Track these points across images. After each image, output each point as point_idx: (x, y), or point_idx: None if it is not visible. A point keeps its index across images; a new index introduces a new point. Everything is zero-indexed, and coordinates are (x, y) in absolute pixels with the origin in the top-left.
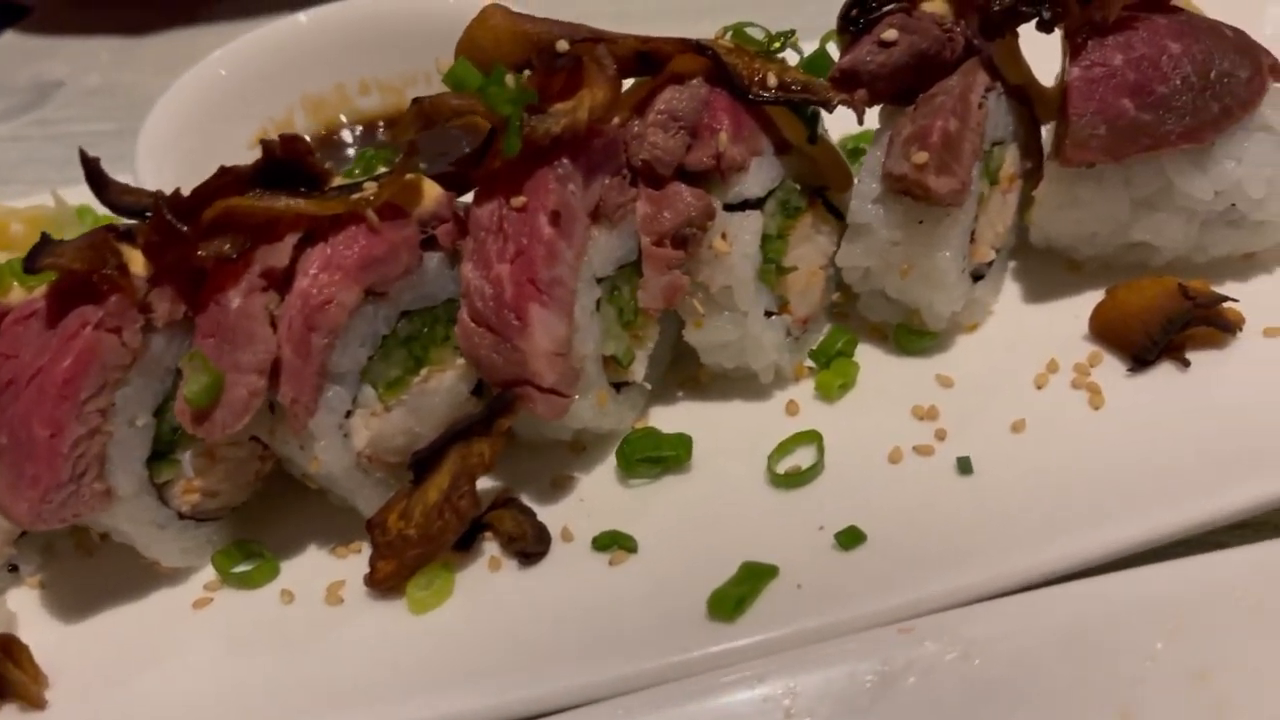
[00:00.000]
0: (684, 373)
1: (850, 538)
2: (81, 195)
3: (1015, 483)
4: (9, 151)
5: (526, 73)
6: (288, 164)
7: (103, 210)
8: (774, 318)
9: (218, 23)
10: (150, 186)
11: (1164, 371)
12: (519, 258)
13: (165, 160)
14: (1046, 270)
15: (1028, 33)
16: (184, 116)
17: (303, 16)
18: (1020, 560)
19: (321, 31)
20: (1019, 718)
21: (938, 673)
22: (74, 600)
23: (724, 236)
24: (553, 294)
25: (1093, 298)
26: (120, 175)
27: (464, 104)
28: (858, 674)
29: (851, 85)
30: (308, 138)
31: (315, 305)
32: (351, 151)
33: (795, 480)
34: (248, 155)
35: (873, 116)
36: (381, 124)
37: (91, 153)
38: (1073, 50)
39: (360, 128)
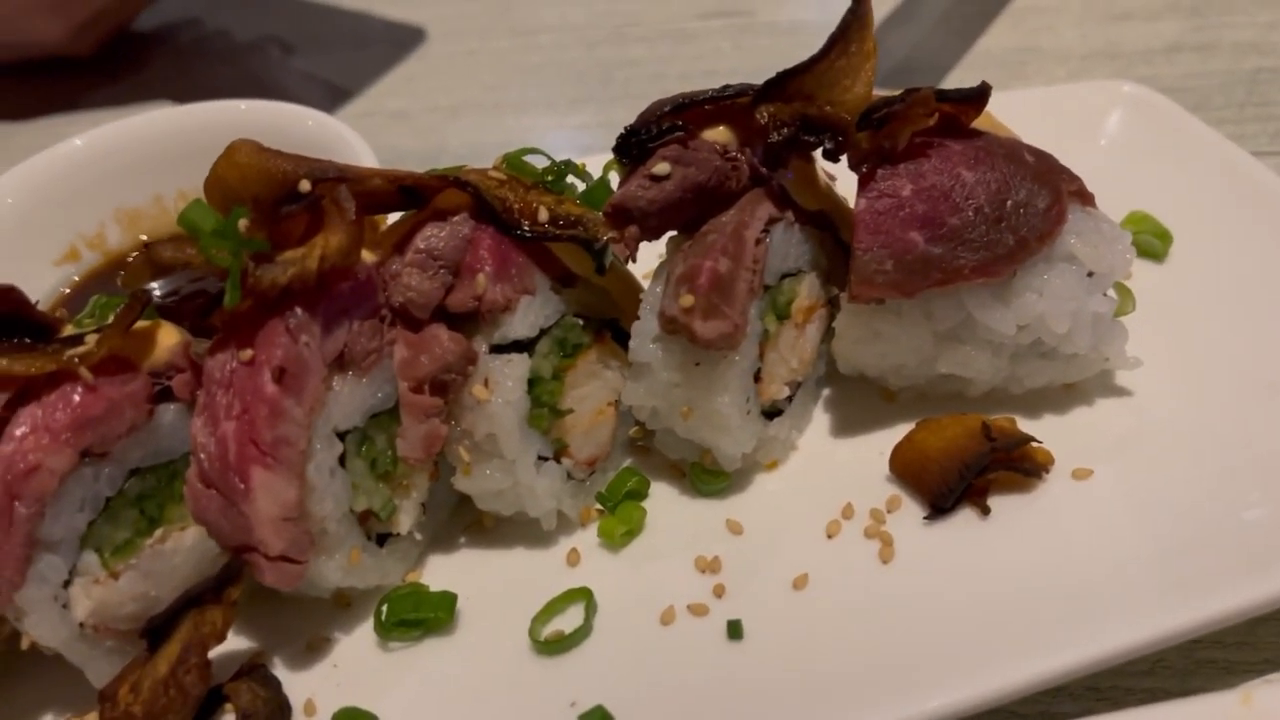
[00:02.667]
0: (469, 516)
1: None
2: None
3: (786, 650)
4: None
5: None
6: (7, 316)
7: None
8: (548, 463)
9: (97, 109)
10: None
11: (963, 519)
12: (243, 416)
13: None
14: (859, 398)
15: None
16: None
17: (109, 129)
18: None
19: (137, 141)
20: None
21: None
22: None
23: (485, 383)
24: (278, 455)
25: (904, 429)
26: None
27: (179, 256)
28: None
29: (623, 221)
30: (124, 253)
31: (19, 473)
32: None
33: (556, 647)
34: (52, 272)
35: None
36: None
37: None
38: (860, 181)
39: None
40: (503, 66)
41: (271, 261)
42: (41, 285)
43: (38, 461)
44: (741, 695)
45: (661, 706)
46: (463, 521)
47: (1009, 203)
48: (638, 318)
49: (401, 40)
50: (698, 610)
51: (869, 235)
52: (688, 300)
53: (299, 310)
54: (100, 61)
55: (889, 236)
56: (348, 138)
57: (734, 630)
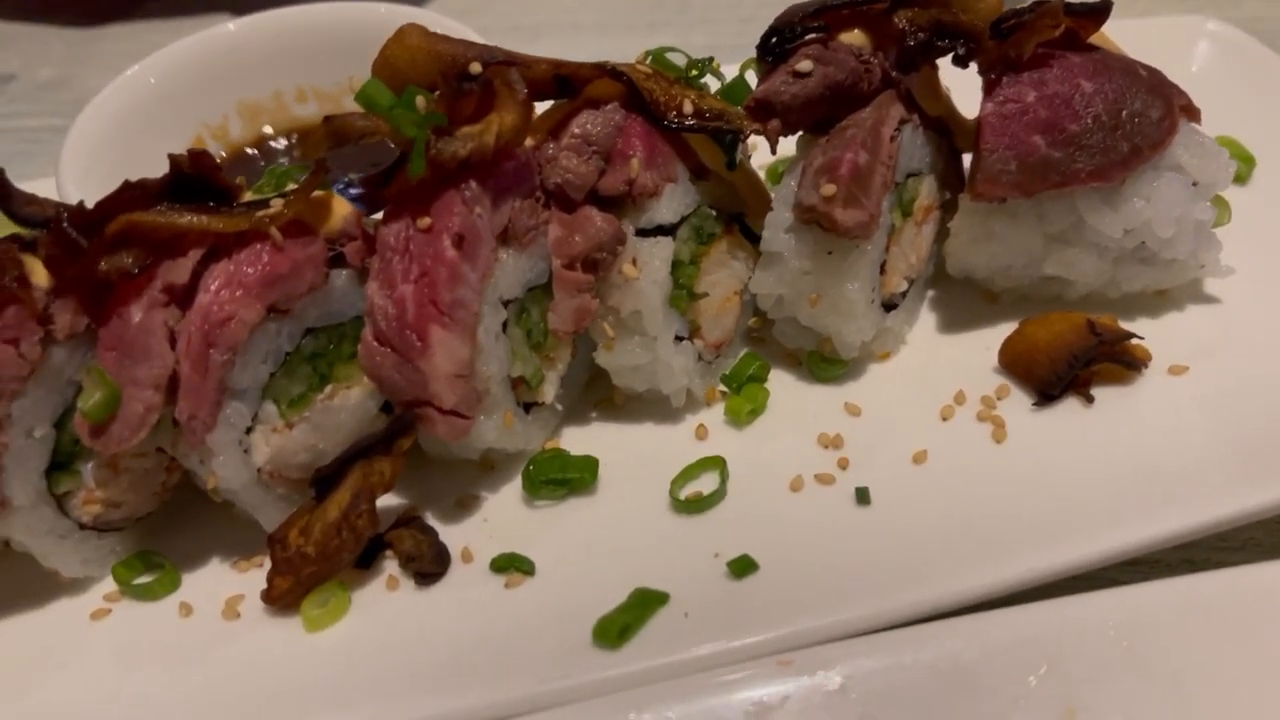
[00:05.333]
0: (599, 394)
1: (742, 566)
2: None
3: (911, 515)
4: None
5: (437, 94)
6: (195, 179)
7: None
8: (684, 343)
9: (175, 19)
10: (73, 194)
11: (1068, 407)
12: (422, 279)
13: (90, 168)
14: (964, 300)
15: (952, 65)
16: (114, 122)
17: (232, 25)
18: (908, 594)
19: (258, 38)
20: None
21: (814, 706)
22: None
23: (634, 262)
24: (454, 316)
25: (1006, 329)
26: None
27: (370, 125)
28: (735, 706)
29: (766, 115)
30: (245, 144)
31: (215, 322)
32: (285, 161)
33: (695, 506)
34: None
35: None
36: None
37: (42, 150)
38: (986, 86)
39: (295, 135)
40: None
41: (451, 136)
42: None
43: (232, 313)
44: (872, 554)
45: (798, 562)
46: (593, 398)
47: (1124, 112)
48: (768, 210)
49: None
50: (824, 479)
51: (995, 137)
52: (829, 189)
53: (473, 183)
54: None
55: (1013, 139)
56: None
57: (862, 496)
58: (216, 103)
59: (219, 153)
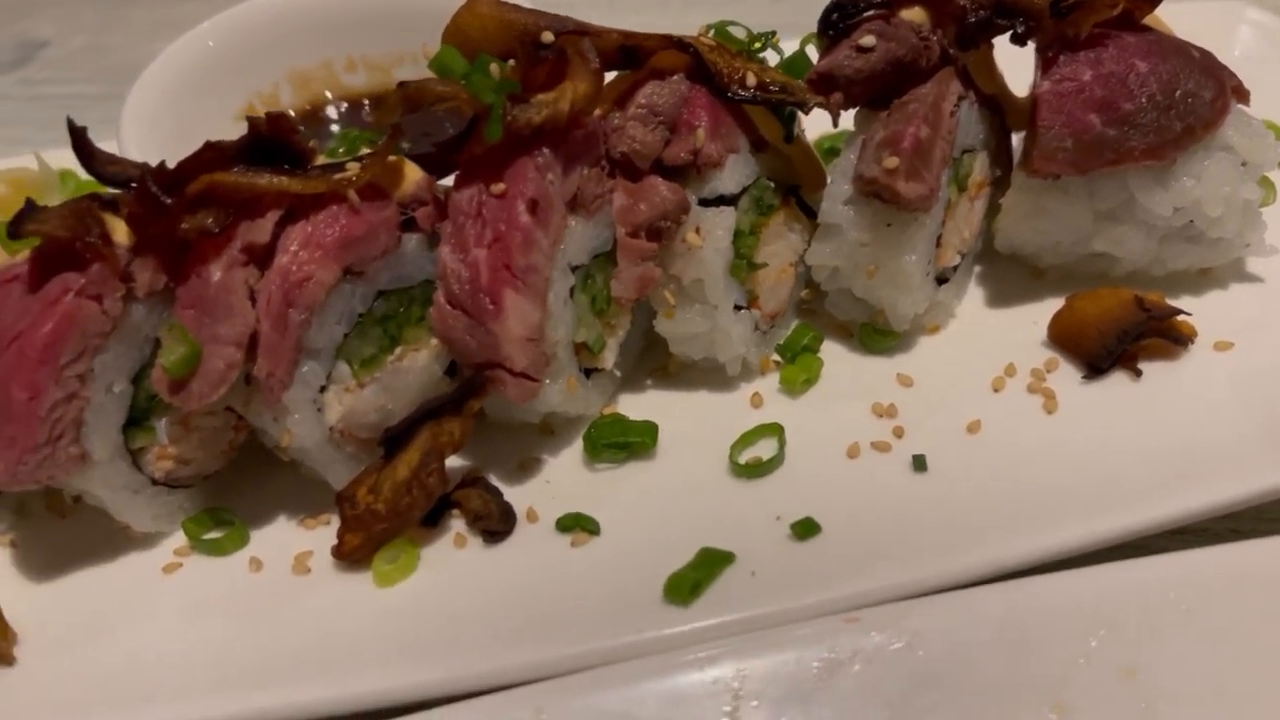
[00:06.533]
0: (653, 362)
1: (805, 528)
2: (64, 159)
3: (967, 482)
4: None
5: (510, 62)
6: (273, 141)
7: (86, 175)
8: (743, 312)
9: None
10: (134, 155)
11: (1117, 380)
12: (496, 243)
13: (150, 130)
14: (1009, 276)
15: (1002, 44)
16: (170, 86)
17: None
18: (967, 557)
19: (311, 7)
20: (957, 708)
21: (881, 662)
22: (45, 560)
23: (697, 230)
24: (527, 280)
25: (1052, 305)
26: (104, 141)
27: (448, 90)
28: (805, 660)
29: (828, 88)
30: (292, 113)
31: (294, 282)
32: (336, 128)
33: (755, 470)
34: (233, 128)
35: (847, 119)
36: (366, 102)
37: (75, 117)
38: (1044, 64)
39: (345, 105)
40: None
41: (526, 103)
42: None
43: (310, 273)
44: (931, 519)
45: (859, 525)
46: (647, 366)
47: (1178, 92)
48: (822, 184)
49: None
50: (881, 447)
51: (1052, 114)
52: (891, 162)
53: (546, 150)
54: None
55: (1069, 117)
56: None
57: (919, 463)
58: (268, 71)
59: None
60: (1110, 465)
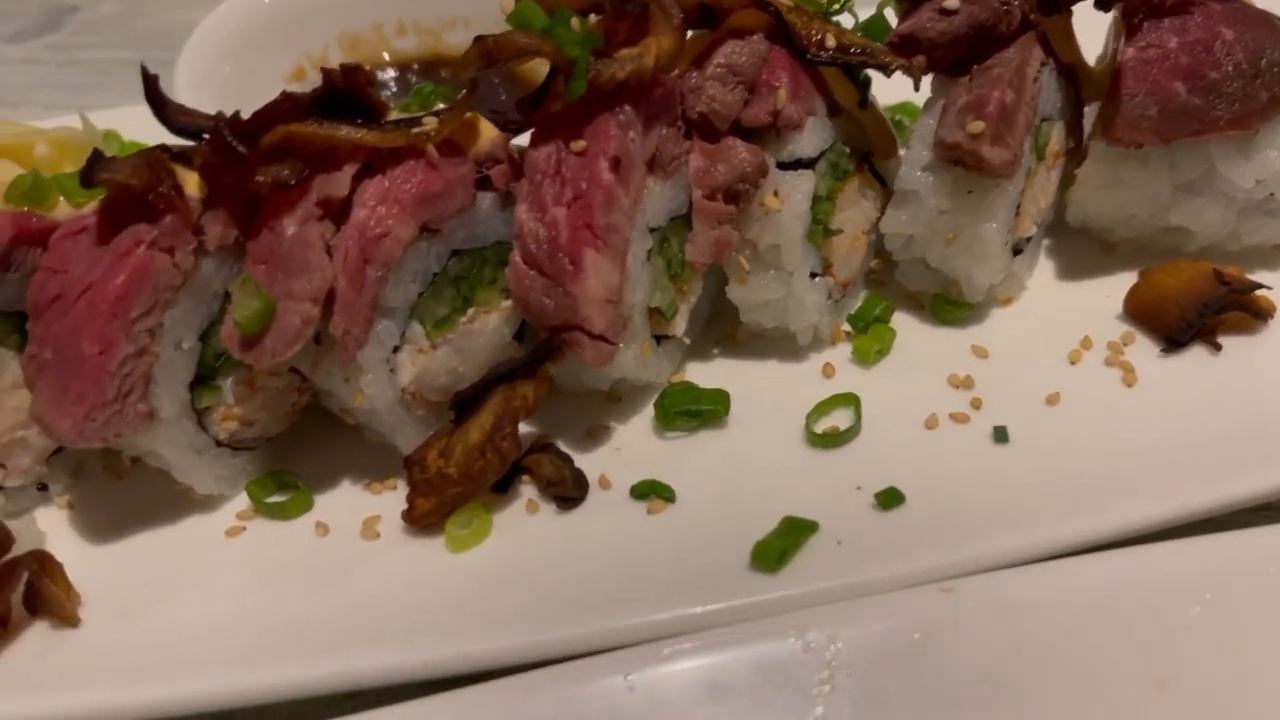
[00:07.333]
0: (720, 330)
1: (890, 498)
2: (102, 120)
3: (1050, 454)
4: (21, 75)
5: (592, 17)
6: (347, 94)
7: (129, 135)
8: (818, 279)
9: None
10: None
11: (1196, 354)
12: (576, 202)
13: (204, 88)
14: (1080, 250)
15: (1078, 12)
16: (225, 45)
17: None
18: (1055, 529)
19: None
20: (1055, 679)
21: (977, 632)
22: (103, 522)
23: (776, 194)
24: (608, 240)
25: (1125, 279)
26: (140, 105)
27: (531, 43)
28: (900, 630)
29: (910, 51)
30: None
31: (372, 237)
32: (385, 92)
33: (833, 440)
34: (281, 89)
35: (923, 87)
36: (416, 66)
37: (108, 81)
38: (1129, 31)
39: (396, 69)
40: None
41: (610, 58)
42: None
43: (388, 229)
44: (1015, 489)
45: (943, 495)
46: (714, 334)
47: (1263, 61)
48: (894, 151)
49: None
50: (959, 418)
51: (1136, 82)
52: (976, 126)
53: (627, 108)
54: None
55: (1154, 84)
56: None
57: (1000, 434)
58: (319, 32)
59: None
60: (1193, 439)
